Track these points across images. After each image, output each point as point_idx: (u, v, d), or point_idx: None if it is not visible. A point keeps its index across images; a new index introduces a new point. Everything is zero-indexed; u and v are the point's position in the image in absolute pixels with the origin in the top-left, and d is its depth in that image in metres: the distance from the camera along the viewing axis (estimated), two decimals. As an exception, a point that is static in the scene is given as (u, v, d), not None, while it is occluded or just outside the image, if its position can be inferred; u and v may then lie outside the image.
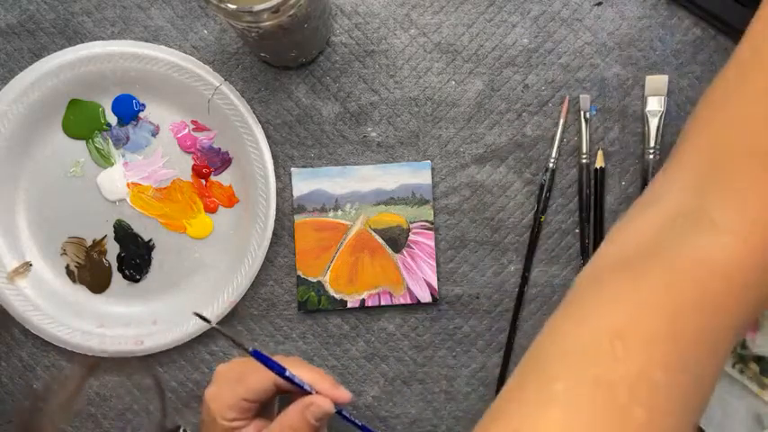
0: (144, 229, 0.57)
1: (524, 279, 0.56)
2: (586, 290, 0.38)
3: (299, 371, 0.46)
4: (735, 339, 0.37)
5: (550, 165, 0.55)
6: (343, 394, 0.47)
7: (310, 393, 0.46)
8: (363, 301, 0.56)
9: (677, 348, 0.34)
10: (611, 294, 0.37)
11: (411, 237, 0.56)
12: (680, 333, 0.35)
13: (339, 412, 0.47)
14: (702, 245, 0.36)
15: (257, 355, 0.45)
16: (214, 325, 0.45)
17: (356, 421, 0.47)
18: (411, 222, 0.56)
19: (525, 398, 0.34)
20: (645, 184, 0.54)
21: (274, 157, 0.55)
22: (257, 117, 0.55)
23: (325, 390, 0.46)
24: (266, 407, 0.49)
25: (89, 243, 0.57)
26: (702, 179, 0.39)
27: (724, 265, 0.36)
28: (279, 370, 0.45)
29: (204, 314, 0.54)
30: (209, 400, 0.47)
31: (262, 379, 0.46)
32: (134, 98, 0.56)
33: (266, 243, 0.55)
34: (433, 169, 0.56)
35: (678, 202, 0.39)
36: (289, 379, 0.45)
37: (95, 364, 0.57)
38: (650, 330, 0.34)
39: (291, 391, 0.47)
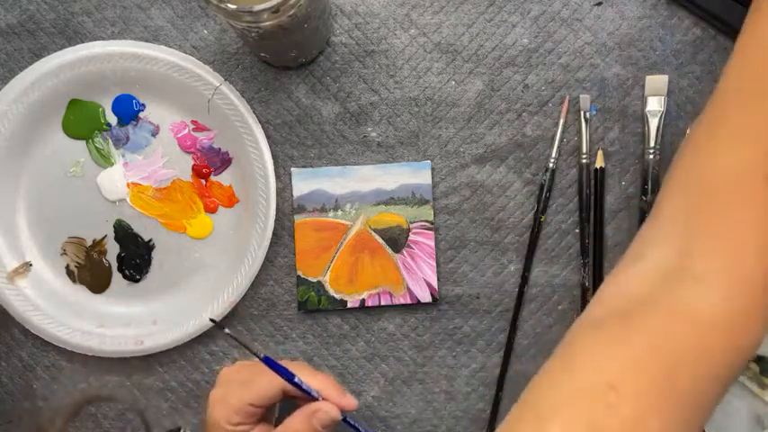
0: (144, 229, 0.57)
1: (524, 279, 0.56)
2: (582, 336, 0.39)
3: (307, 377, 0.46)
4: (730, 383, 0.38)
5: (550, 165, 0.55)
6: (350, 402, 0.47)
7: (317, 400, 0.46)
8: (363, 301, 0.56)
9: (672, 397, 0.35)
10: (607, 343, 0.37)
11: (411, 237, 0.56)
12: (675, 383, 0.36)
13: (344, 419, 0.47)
14: (694, 297, 0.37)
15: (268, 362, 0.45)
16: (228, 331, 0.45)
17: (360, 428, 0.47)
18: (411, 222, 0.56)
19: None
20: (645, 184, 0.54)
21: (274, 157, 0.55)
22: (257, 117, 0.55)
23: (332, 397, 0.46)
24: (268, 410, 0.49)
25: (89, 243, 0.57)
26: (686, 230, 0.39)
27: (716, 316, 0.37)
28: (288, 376, 0.45)
29: (204, 315, 0.55)
30: (214, 402, 0.47)
31: (269, 384, 0.46)
32: (134, 98, 0.56)
33: (266, 243, 0.55)
34: (433, 169, 0.56)
35: (665, 255, 0.39)
36: (297, 385, 0.45)
37: (92, 398, 0.57)
38: (646, 380, 0.35)
39: (297, 397, 0.47)
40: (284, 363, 0.46)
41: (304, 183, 0.56)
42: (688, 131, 0.54)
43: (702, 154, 0.41)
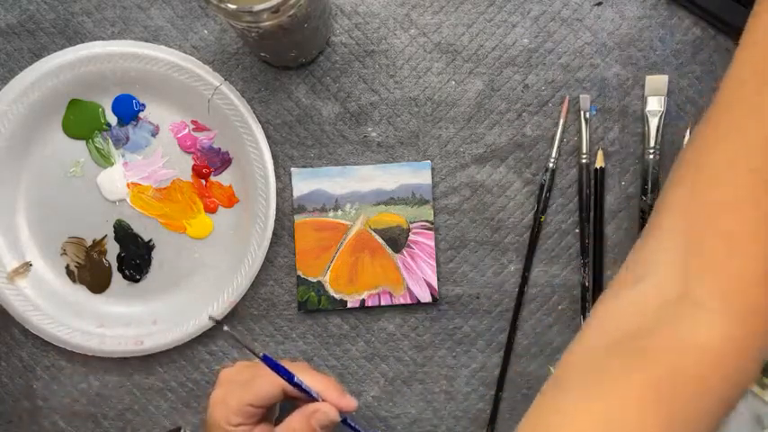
0: (144, 229, 0.57)
1: (524, 279, 0.56)
2: (574, 373, 0.38)
3: (307, 377, 0.46)
4: (725, 415, 0.37)
5: (550, 165, 0.55)
6: (350, 403, 0.47)
7: (317, 400, 0.46)
8: (363, 301, 0.56)
9: None
10: (601, 381, 0.36)
11: (411, 237, 0.56)
12: (670, 420, 0.35)
13: (344, 420, 0.47)
14: (693, 330, 0.36)
15: (267, 361, 0.45)
16: (227, 329, 0.45)
17: (359, 429, 0.47)
18: (411, 222, 0.56)
19: None
20: (645, 184, 0.54)
21: (274, 157, 0.55)
22: (257, 117, 0.55)
23: (331, 398, 0.46)
24: (268, 410, 0.49)
25: (89, 243, 0.57)
26: (685, 256, 0.38)
27: (713, 349, 0.36)
28: (288, 376, 0.45)
29: (204, 315, 0.55)
30: (215, 404, 0.47)
31: (269, 384, 0.46)
32: (134, 98, 0.56)
33: (266, 243, 0.55)
34: (433, 169, 0.56)
35: (665, 279, 0.38)
36: (297, 385, 0.45)
37: None
38: (640, 419, 0.35)
39: (297, 397, 0.47)
40: (284, 363, 0.46)
41: (304, 183, 0.56)
42: (686, 138, 0.54)
43: (696, 177, 0.40)
